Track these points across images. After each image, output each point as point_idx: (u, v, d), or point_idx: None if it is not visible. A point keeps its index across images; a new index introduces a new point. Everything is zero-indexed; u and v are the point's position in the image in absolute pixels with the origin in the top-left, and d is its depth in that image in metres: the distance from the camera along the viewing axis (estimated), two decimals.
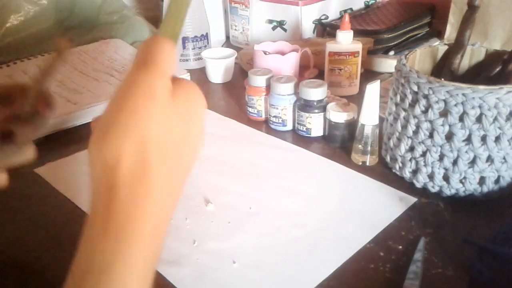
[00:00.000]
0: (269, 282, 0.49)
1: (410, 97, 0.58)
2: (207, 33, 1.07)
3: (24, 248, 0.56)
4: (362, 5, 1.20)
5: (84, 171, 0.70)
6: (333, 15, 1.13)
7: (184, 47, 1.05)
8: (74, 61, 0.99)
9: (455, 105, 0.54)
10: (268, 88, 0.79)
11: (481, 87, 0.53)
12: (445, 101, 0.55)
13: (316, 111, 0.73)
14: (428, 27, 1.13)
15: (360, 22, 1.06)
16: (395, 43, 1.02)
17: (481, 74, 0.64)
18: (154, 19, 1.22)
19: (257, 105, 0.80)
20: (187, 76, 0.95)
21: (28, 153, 0.41)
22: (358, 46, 0.85)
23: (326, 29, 1.07)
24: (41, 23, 1.11)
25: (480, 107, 0.54)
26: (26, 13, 1.08)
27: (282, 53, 0.90)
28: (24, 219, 0.60)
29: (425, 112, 0.57)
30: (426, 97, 0.56)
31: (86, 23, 1.16)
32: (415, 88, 0.57)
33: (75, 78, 0.92)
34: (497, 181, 0.58)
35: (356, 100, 0.78)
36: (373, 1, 1.22)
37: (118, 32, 1.15)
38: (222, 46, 1.18)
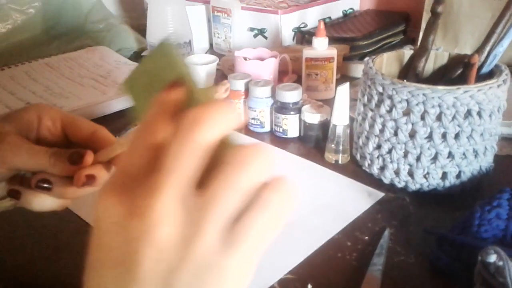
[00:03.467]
0: None
1: (376, 97, 0.62)
2: (190, 40, 1.11)
3: (29, 258, 0.56)
4: (340, 14, 1.25)
5: None
6: (312, 23, 1.17)
7: None
8: (61, 68, 1.02)
9: (417, 104, 0.58)
10: (247, 91, 0.82)
11: (440, 87, 0.57)
12: (407, 100, 0.59)
13: (292, 112, 0.77)
14: (403, 35, 1.18)
15: (338, 30, 1.11)
16: (370, 49, 1.06)
17: (444, 76, 0.69)
18: (139, 27, 1.25)
19: (237, 108, 0.84)
20: None
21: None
22: (333, 52, 0.90)
23: (305, 36, 1.11)
24: (29, 31, 1.14)
25: (439, 106, 0.58)
26: (14, 22, 1.11)
27: (262, 59, 0.93)
28: (26, 230, 0.61)
29: (389, 111, 0.61)
30: (390, 97, 0.60)
31: (72, 31, 1.20)
32: (380, 89, 0.61)
33: (62, 84, 0.95)
34: (458, 176, 0.62)
35: (332, 103, 0.82)
36: (351, 10, 1.27)
37: (104, 40, 1.18)
38: (206, 53, 1.21)
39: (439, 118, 0.58)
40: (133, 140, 0.27)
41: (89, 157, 0.39)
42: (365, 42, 1.05)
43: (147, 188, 0.24)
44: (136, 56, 1.20)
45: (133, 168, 0.26)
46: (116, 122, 0.85)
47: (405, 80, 0.60)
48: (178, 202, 0.24)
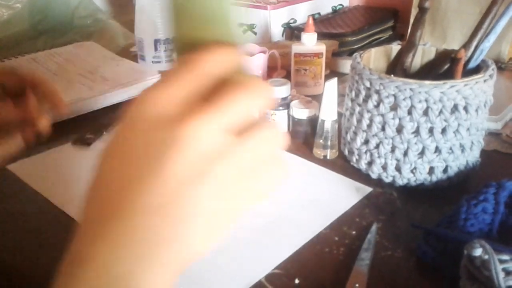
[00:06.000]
0: (230, 265, 0.52)
1: (363, 92, 0.62)
2: None
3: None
4: (329, 10, 1.25)
5: (55, 168, 0.72)
6: (301, 19, 1.17)
7: (156, 49, 1.08)
8: (48, 63, 1.01)
9: (404, 99, 0.59)
10: None
11: (427, 82, 0.58)
12: (394, 95, 0.59)
13: (280, 108, 0.77)
14: (392, 31, 1.18)
15: (327, 25, 1.11)
16: (359, 45, 1.07)
17: (431, 72, 0.69)
18: (128, 23, 1.24)
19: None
20: (158, 78, 0.98)
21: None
22: (322, 48, 0.90)
23: (294, 32, 1.11)
24: (16, 26, 1.12)
25: (426, 101, 0.58)
26: (0, 17, 1.10)
27: (251, 55, 0.93)
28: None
29: (377, 106, 0.61)
30: (377, 92, 0.60)
31: (60, 26, 1.18)
32: (368, 84, 0.61)
33: (48, 79, 0.94)
34: (445, 170, 0.62)
35: (321, 99, 0.82)
36: (340, 6, 1.27)
37: (92, 35, 1.17)
38: None
39: (426, 113, 0.59)
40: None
41: None
42: (354, 38, 1.05)
43: (202, 109, 0.26)
44: (124, 52, 1.19)
45: (193, 88, 0.28)
46: (104, 117, 0.84)
47: (392, 75, 0.60)
48: (217, 131, 0.27)
